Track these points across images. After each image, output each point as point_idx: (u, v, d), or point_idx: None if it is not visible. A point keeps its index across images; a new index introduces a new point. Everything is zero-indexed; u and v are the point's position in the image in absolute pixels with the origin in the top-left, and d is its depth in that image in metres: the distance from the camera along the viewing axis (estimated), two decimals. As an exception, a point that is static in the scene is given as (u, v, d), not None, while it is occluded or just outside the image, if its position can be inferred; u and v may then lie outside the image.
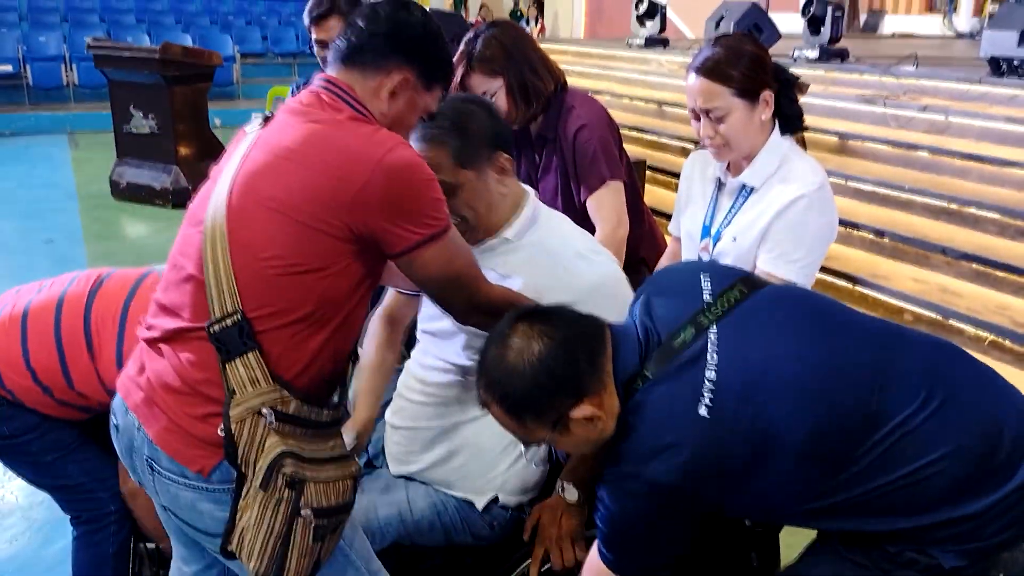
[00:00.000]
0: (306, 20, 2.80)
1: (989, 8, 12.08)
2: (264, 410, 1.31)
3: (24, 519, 2.81)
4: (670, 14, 10.50)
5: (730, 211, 1.91)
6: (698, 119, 1.86)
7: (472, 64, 2.19)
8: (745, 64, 1.79)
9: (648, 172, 6.01)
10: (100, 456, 2.09)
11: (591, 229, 2.19)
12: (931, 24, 13.39)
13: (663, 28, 9.70)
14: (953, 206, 4.72)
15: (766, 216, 1.82)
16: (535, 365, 1.33)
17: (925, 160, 5.31)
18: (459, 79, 2.19)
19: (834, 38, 7.55)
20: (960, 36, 12.36)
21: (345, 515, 1.43)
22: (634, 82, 8.67)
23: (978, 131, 5.29)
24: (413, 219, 1.36)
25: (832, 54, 7.49)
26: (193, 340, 1.36)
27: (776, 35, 7.66)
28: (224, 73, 10.87)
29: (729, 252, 1.88)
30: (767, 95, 1.82)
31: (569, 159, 2.28)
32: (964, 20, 12.89)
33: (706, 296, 1.41)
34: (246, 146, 1.42)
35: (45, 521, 2.77)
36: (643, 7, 9.60)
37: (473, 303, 1.50)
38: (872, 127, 5.85)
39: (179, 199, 6.85)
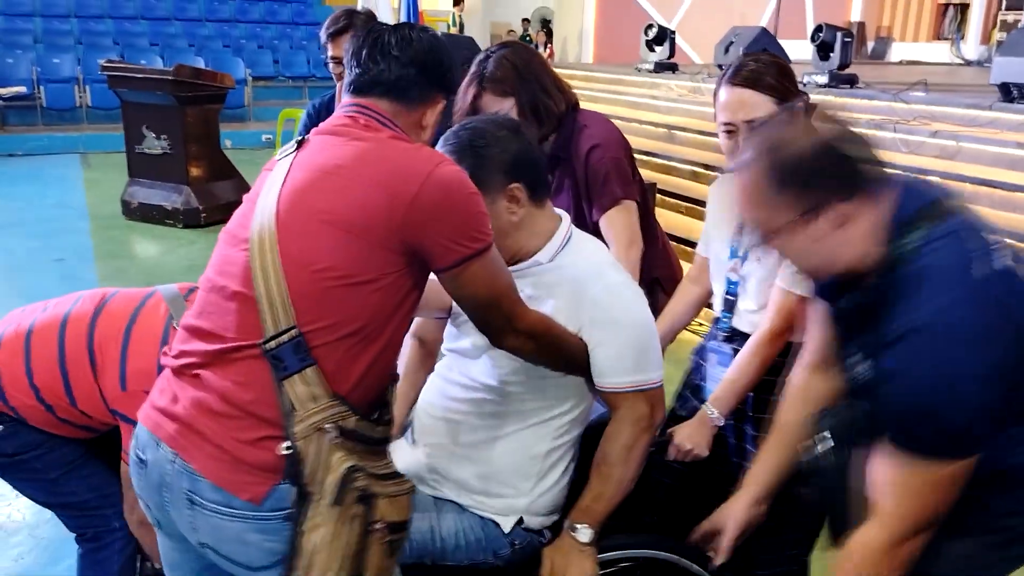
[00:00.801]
0: (323, 37, 2.83)
1: (997, 36, 12.13)
2: (327, 426, 1.30)
3: (31, 537, 2.78)
4: (679, 40, 10.57)
5: None
6: (730, 135, 1.85)
7: (484, 84, 2.18)
8: (779, 73, 1.82)
9: (658, 195, 6.02)
10: (105, 473, 2.08)
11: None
12: (939, 51, 13.45)
13: (672, 53, 9.76)
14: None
15: None
16: (825, 145, 1.29)
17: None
18: (471, 99, 2.19)
19: (843, 64, 7.56)
20: (968, 63, 12.39)
21: (407, 531, 1.42)
22: (644, 106, 8.70)
23: (990, 157, 5.27)
24: (461, 233, 1.38)
25: (842, 79, 7.51)
26: (240, 360, 1.33)
27: (786, 60, 7.67)
28: (236, 96, 10.96)
29: (754, 272, 1.91)
30: (802, 104, 1.77)
31: (581, 179, 2.26)
32: (972, 48, 12.94)
33: None
34: (285, 167, 1.42)
35: (52, 539, 2.74)
36: (652, 32, 9.66)
37: (512, 324, 1.50)
38: (883, 152, 5.82)
39: (190, 219, 6.90)
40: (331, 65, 2.84)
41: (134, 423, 1.80)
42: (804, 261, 1.42)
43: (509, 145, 1.66)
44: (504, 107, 2.17)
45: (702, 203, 6.22)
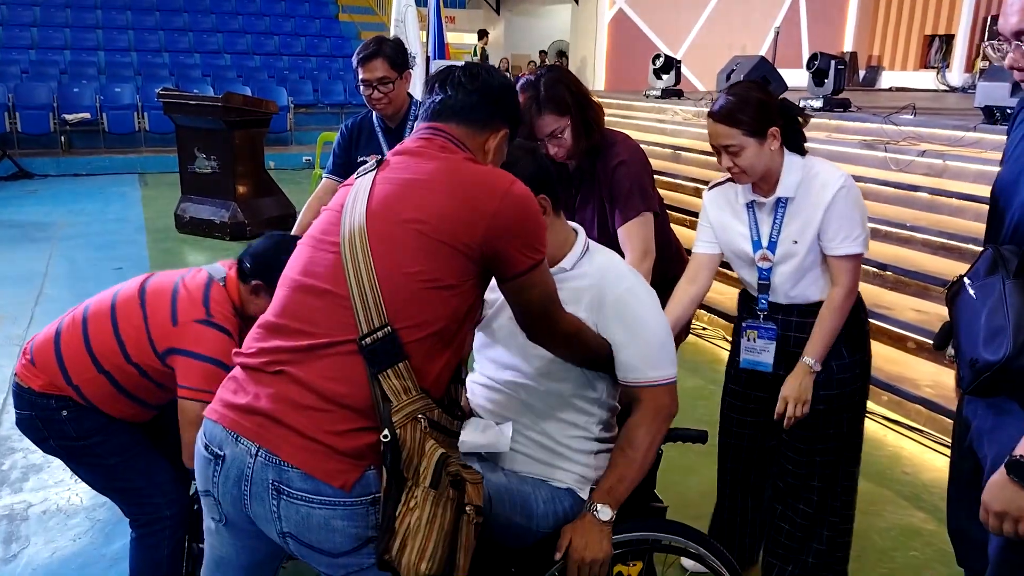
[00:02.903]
0: (354, 61, 2.82)
1: (980, 64, 12.00)
2: (419, 416, 1.30)
3: (88, 519, 2.78)
4: (684, 69, 10.54)
5: (775, 223, 2.10)
6: (718, 153, 2.06)
7: (542, 107, 2.18)
8: (752, 109, 2.00)
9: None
10: (159, 463, 2.07)
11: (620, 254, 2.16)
12: (925, 79, 13.33)
13: (678, 81, 9.73)
14: (951, 242, 4.63)
15: (817, 214, 2.03)
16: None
17: (924, 200, 5.23)
18: (529, 120, 2.17)
19: (837, 89, 7.50)
20: (953, 90, 12.26)
21: (484, 516, 1.42)
22: (651, 129, 8.67)
23: (974, 174, 5.20)
24: (531, 244, 1.41)
25: (835, 104, 7.44)
26: (331, 356, 1.32)
27: (783, 86, 7.62)
28: (279, 121, 11.06)
29: (794, 252, 2.08)
30: (773, 130, 2.02)
31: (607, 191, 2.27)
32: (956, 75, 12.81)
33: None
34: (368, 182, 1.43)
35: (107, 521, 2.75)
36: (660, 62, 9.64)
37: (555, 326, 1.53)
38: (874, 170, 5.78)
39: (237, 232, 6.95)
40: (362, 88, 2.83)
41: (187, 353, 1.85)
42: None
43: (531, 163, 1.70)
44: (561, 125, 2.20)
45: (706, 217, 6.18)
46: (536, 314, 1.50)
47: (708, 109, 2.07)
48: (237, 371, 1.41)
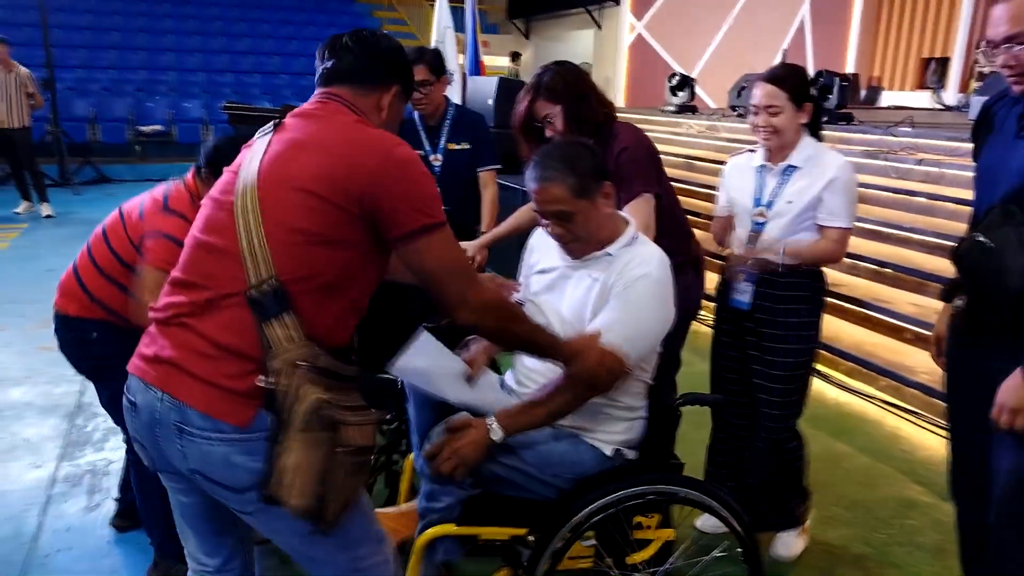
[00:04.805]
0: None
1: (973, 85, 11.81)
2: (300, 362, 1.26)
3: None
4: (697, 88, 10.48)
5: (778, 186, 2.25)
6: (757, 114, 2.20)
7: (539, 92, 2.21)
8: (799, 80, 2.20)
9: (680, 213, 5.95)
10: None
11: None
12: (922, 99, 13.10)
13: (692, 98, 9.69)
14: (946, 243, 4.56)
15: (817, 185, 2.19)
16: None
17: (922, 204, 5.16)
18: (526, 104, 2.23)
19: (841, 104, 7.42)
20: (948, 108, 12.05)
21: (370, 455, 1.37)
22: (667, 141, 8.63)
23: (968, 180, 5.08)
24: (414, 206, 1.33)
25: (840, 117, 7.36)
26: (225, 308, 1.30)
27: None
28: (330, 133, 11.15)
29: (785, 212, 2.24)
30: (808, 105, 2.19)
31: (614, 176, 2.27)
32: (951, 95, 12.59)
33: None
34: (264, 143, 1.39)
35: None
36: (675, 80, 9.61)
37: (464, 298, 1.39)
38: (875, 177, 5.71)
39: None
40: None
41: (149, 234, 1.95)
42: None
43: (589, 157, 1.76)
44: (553, 111, 2.20)
45: (717, 220, 6.15)
46: (437, 284, 1.38)
47: (762, 75, 2.23)
48: (151, 326, 1.39)
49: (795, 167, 2.22)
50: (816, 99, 2.23)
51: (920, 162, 5.61)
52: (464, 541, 1.79)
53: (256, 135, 1.47)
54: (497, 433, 1.64)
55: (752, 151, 2.32)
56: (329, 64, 1.47)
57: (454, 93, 7.49)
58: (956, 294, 1.85)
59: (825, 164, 2.19)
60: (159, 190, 2.13)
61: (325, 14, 15.80)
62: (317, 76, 1.48)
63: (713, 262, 5.63)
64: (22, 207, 7.85)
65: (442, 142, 3.09)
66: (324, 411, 1.26)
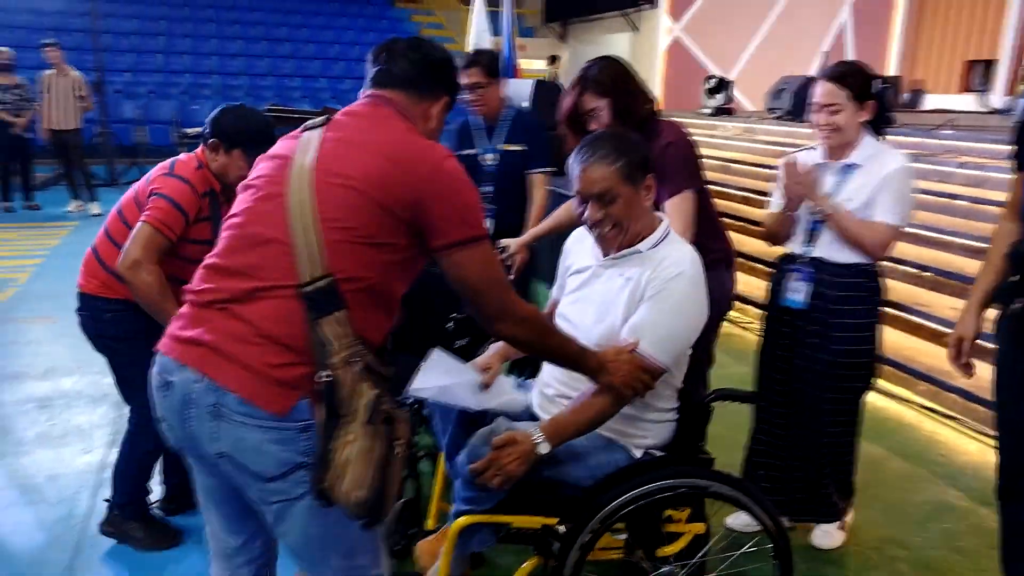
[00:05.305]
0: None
1: (1021, 88, 11.52)
2: (354, 360, 1.28)
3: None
4: (735, 90, 10.40)
5: (837, 184, 2.25)
6: (818, 112, 2.20)
7: (587, 85, 2.25)
8: (860, 78, 2.19)
9: (715, 215, 5.92)
10: None
11: None
12: (967, 102, 12.81)
13: (729, 100, 9.62)
14: (989, 247, 4.47)
15: (874, 182, 2.19)
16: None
17: (964, 208, 5.06)
18: (574, 97, 2.27)
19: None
20: (994, 112, 11.75)
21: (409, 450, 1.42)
22: (704, 144, 8.52)
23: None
24: (459, 217, 1.36)
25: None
26: (271, 299, 1.30)
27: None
28: (367, 136, 11.29)
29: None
30: (870, 104, 2.20)
31: (658, 171, 2.29)
32: (998, 98, 12.27)
33: None
34: (315, 137, 1.40)
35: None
36: (713, 83, 9.55)
37: (502, 310, 1.43)
38: (916, 181, 5.61)
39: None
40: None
41: (152, 195, 2.04)
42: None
43: (640, 148, 1.80)
44: (600, 104, 2.24)
45: (753, 222, 6.10)
46: (476, 295, 1.40)
47: (823, 73, 2.24)
48: (186, 308, 1.39)
49: (855, 165, 2.22)
50: (879, 97, 2.23)
51: (962, 165, 5.50)
52: (496, 528, 1.83)
53: (302, 127, 1.47)
54: (544, 447, 1.65)
55: (811, 149, 2.30)
56: (384, 67, 1.49)
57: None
58: (1015, 296, 1.82)
59: (884, 163, 2.18)
60: (168, 160, 2.21)
61: (364, 19, 16.02)
62: (369, 77, 1.50)
63: (753, 265, 5.60)
64: (73, 205, 8.12)
65: (498, 143, 3.14)
66: (383, 406, 1.29)
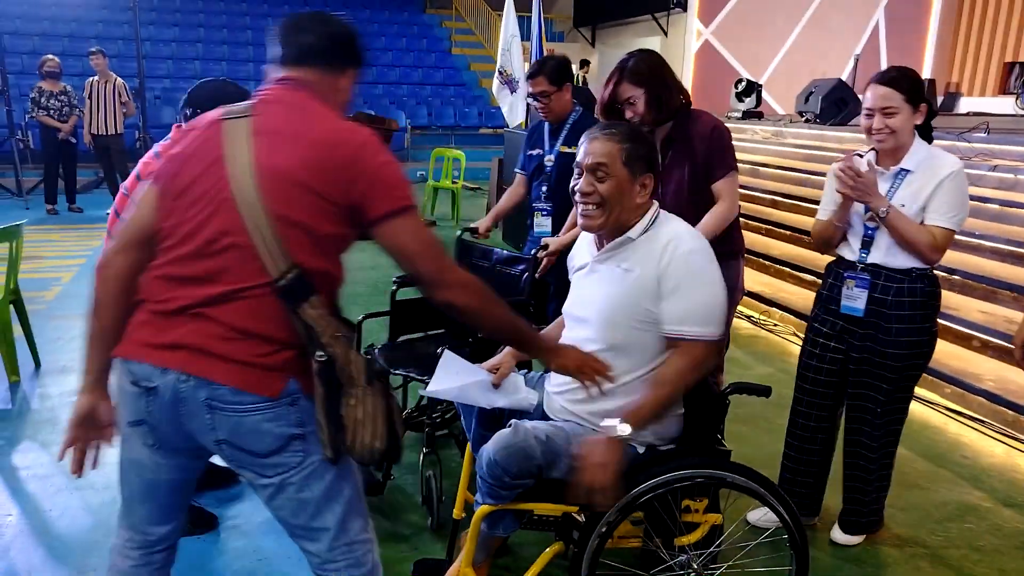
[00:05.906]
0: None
1: (1060, 89, 11.27)
2: (337, 334, 1.36)
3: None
4: (765, 94, 10.36)
5: (891, 190, 2.22)
6: (870, 117, 2.20)
7: (624, 75, 2.38)
8: (914, 81, 2.19)
9: (742, 219, 5.92)
10: None
11: (706, 210, 2.43)
12: (1004, 105, 12.57)
13: (758, 104, 9.59)
14: (1020, 250, 4.44)
15: (929, 187, 2.16)
16: None
17: (994, 211, 5.02)
18: (611, 87, 2.39)
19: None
20: (1032, 114, 11.52)
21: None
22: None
23: (1046, 187, 4.96)
24: (389, 190, 1.39)
25: (910, 124, 7.16)
26: (244, 299, 1.35)
27: (861, 107, 7.41)
28: (398, 139, 11.51)
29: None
30: (923, 107, 2.19)
31: (702, 152, 2.42)
32: (1036, 100, 12.02)
33: None
34: (240, 133, 1.39)
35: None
36: (742, 86, 9.52)
37: (440, 277, 1.43)
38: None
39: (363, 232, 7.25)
40: (528, 100, 3.25)
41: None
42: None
43: (649, 144, 1.85)
44: (636, 93, 2.36)
45: (781, 226, 6.10)
46: (414, 262, 1.42)
47: (876, 77, 2.23)
48: (145, 316, 1.40)
49: (908, 171, 2.19)
50: (930, 101, 2.26)
51: (994, 168, 5.45)
52: (519, 515, 1.90)
53: (223, 112, 1.44)
54: (624, 429, 1.70)
55: (860, 155, 2.25)
56: (291, 44, 1.48)
57: (518, 102, 7.64)
58: None
59: (938, 166, 2.17)
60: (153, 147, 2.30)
61: (397, 25, 16.23)
62: (277, 55, 1.48)
63: (780, 268, 5.59)
64: (114, 208, 8.37)
65: (557, 144, 3.22)
66: (375, 366, 1.41)
